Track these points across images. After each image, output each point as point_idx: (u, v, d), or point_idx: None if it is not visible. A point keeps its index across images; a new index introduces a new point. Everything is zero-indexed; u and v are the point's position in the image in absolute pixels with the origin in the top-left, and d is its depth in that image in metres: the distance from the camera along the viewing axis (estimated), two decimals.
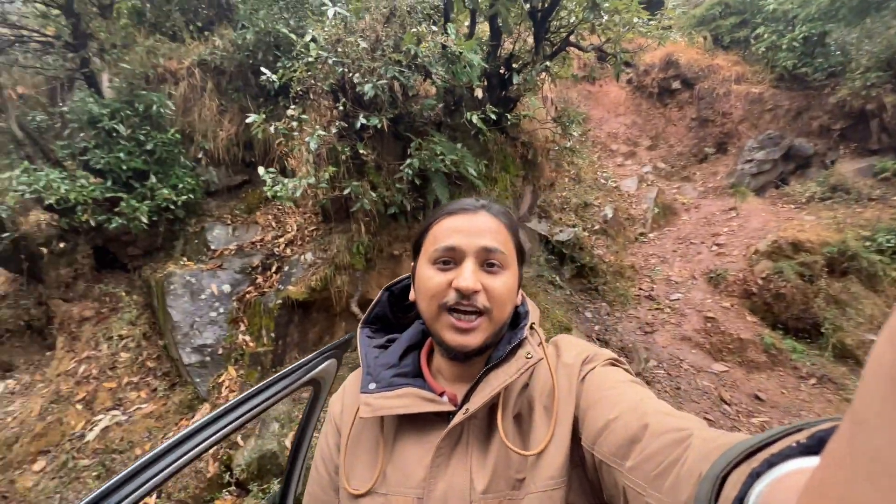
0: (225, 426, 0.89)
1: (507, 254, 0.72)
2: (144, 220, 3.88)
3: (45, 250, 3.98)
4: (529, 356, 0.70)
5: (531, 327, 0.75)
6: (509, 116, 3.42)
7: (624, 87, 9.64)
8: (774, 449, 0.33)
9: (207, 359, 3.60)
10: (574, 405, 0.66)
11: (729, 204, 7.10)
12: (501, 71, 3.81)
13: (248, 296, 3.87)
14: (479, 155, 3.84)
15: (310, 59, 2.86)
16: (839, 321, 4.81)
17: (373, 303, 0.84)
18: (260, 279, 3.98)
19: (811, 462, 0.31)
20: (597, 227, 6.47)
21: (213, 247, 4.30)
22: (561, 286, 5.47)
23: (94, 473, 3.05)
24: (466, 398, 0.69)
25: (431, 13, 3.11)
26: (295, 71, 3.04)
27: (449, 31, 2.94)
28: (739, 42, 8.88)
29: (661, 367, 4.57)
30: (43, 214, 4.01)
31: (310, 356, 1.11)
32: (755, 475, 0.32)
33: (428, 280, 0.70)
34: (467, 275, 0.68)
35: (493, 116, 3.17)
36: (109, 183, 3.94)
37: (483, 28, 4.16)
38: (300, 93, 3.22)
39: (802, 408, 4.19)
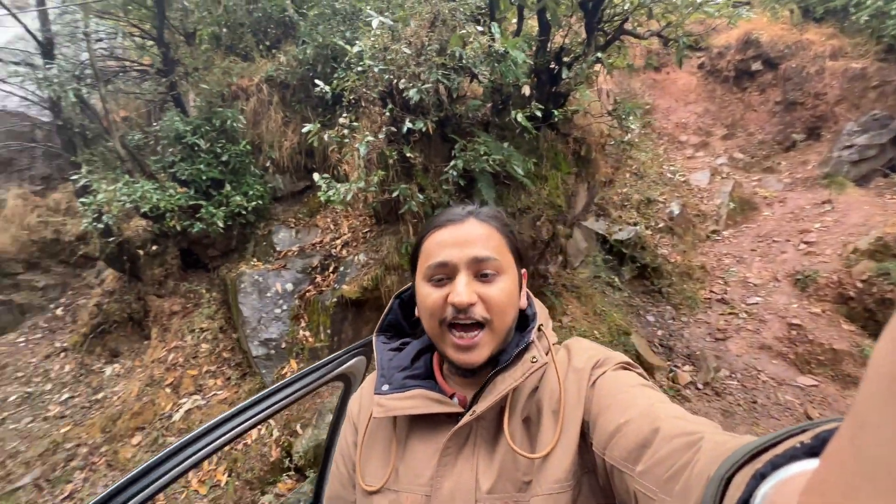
0: (259, 413, 0.97)
1: (501, 259, 0.71)
2: (220, 224, 4.30)
3: (141, 252, 4.56)
4: (534, 360, 0.70)
5: (539, 329, 0.75)
6: (556, 112, 3.31)
7: (695, 73, 8.90)
8: (779, 450, 0.33)
9: (272, 352, 3.90)
10: (583, 410, 0.65)
11: (822, 196, 6.28)
12: (551, 66, 3.70)
13: (308, 294, 4.13)
14: (528, 153, 3.76)
15: (359, 69, 3.00)
16: None
17: (385, 311, 0.86)
18: (319, 278, 4.24)
19: (816, 464, 0.30)
20: (661, 224, 6.05)
21: (278, 248, 4.65)
22: (620, 288, 5.19)
23: None
24: (474, 400, 0.70)
25: (476, 14, 3.11)
26: (347, 80, 3.20)
27: (493, 30, 2.92)
28: (835, 12, 7.82)
29: (733, 378, 4.16)
30: (140, 221, 4.59)
31: (338, 353, 1.18)
32: (759, 476, 0.32)
33: (425, 298, 0.71)
34: (460, 289, 0.67)
35: (539, 113, 3.09)
36: (192, 192, 4.41)
37: (532, 24, 4.07)
38: (352, 101, 3.37)
39: None
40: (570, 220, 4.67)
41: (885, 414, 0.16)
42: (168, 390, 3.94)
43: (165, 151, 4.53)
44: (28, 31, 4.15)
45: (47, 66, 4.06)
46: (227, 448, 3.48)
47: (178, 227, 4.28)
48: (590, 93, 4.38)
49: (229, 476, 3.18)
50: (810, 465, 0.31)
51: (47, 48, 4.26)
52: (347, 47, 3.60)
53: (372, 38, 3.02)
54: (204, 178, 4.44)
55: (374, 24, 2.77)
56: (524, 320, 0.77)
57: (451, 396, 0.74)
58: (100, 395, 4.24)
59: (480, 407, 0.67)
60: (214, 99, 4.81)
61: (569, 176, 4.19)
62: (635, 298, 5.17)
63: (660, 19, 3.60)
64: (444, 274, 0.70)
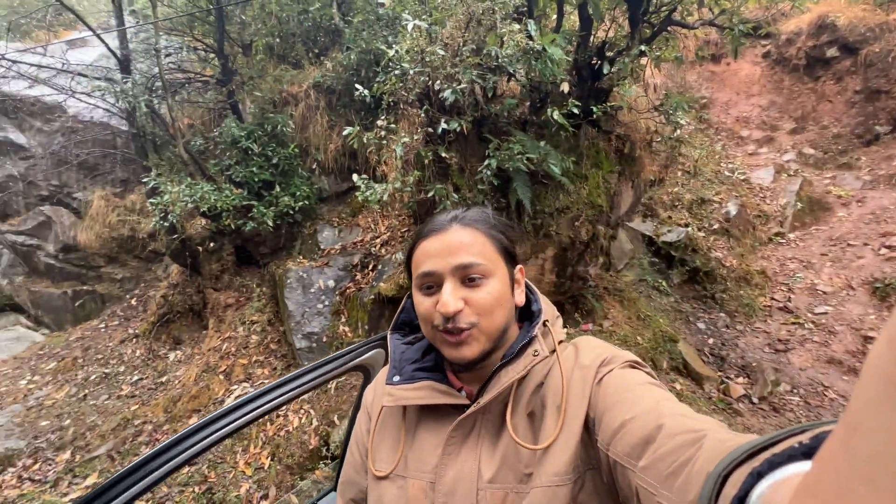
0: (278, 398, 1.03)
1: (488, 262, 0.72)
2: (270, 223, 4.57)
3: (201, 249, 4.94)
4: (536, 353, 0.71)
5: (544, 324, 0.76)
6: (596, 109, 3.21)
7: (759, 63, 8.25)
8: (777, 449, 0.33)
9: (314, 345, 4.09)
10: (587, 406, 0.66)
11: None
12: (593, 61, 3.59)
13: (348, 291, 4.29)
14: (567, 152, 3.68)
15: (396, 72, 3.07)
16: None
17: (399, 309, 0.90)
18: (358, 276, 4.39)
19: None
20: (716, 226, 5.66)
21: (322, 246, 4.87)
22: (667, 292, 4.93)
23: None
24: (480, 393, 0.73)
25: (513, 12, 3.08)
26: (386, 84, 3.29)
27: (530, 28, 2.89)
28: None
29: (795, 393, 3.82)
30: (200, 220, 4.98)
31: (357, 344, 1.22)
32: (756, 474, 0.32)
33: (419, 305, 0.75)
34: (445, 298, 0.69)
35: (576, 110, 3.01)
36: (245, 193, 4.73)
37: (574, 19, 3.97)
38: (391, 104, 3.46)
39: None
40: (613, 221, 4.50)
41: (881, 415, 0.16)
42: (221, 377, 4.25)
43: (223, 155, 4.88)
44: (110, 49, 4.64)
45: (124, 80, 4.52)
46: (271, 433, 3.70)
47: (233, 226, 4.60)
48: (636, 88, 4.20)
49: (272, 460, 3.37)
50: (808, 466, 0.30)
51: (125, 64, 4.75)
52: (389, 51, 3.71)
53: (409, 41, 3.08)
54: (256, 179, 4.74)
55: (409, 27, 2.84)
56: (530, 316, 0.78)
57: (460, 390, 0.77)
58: (164, 379, 4.66)
59: (484, 399, 0.70)
60: (267, 105, 5.13)
61: (611, 175, 4.04)
62: (684, 304, 4.88)
63: (713, 7, 3.38)
64: (433, 282, 0.72)
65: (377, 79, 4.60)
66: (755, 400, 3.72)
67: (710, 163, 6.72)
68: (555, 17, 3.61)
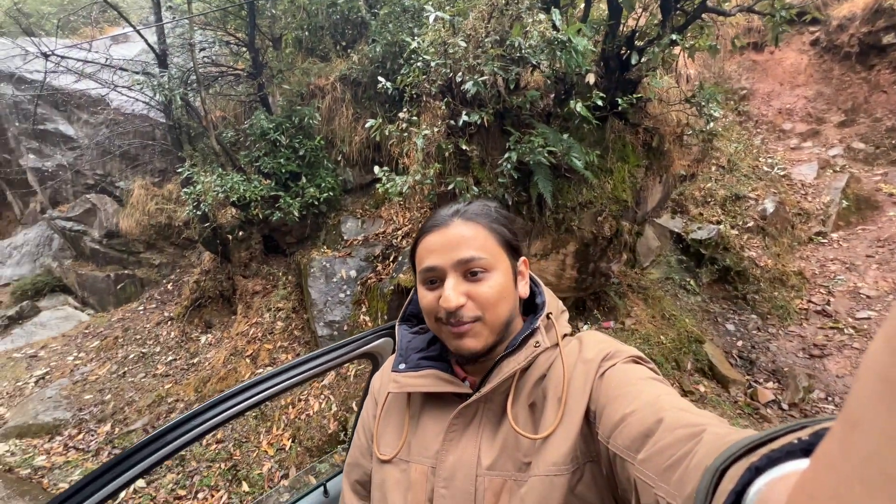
0: (286, 380, 1.07)
1: (490, 256, 0.73)
2: (296, 213, 4.70)
3: (231, 237, 5.13)
4: (537, 344, 0.73)
5: (548, 317, 0.78)
6: (622, 101, 3.11)
7: (806, 51, 7.76)
8: (775, 445, 0.33)
9: (335, 333, 4.20)
10: (588, 399, 0.67)
11: None
12: (621, 51, 3.48)
13: (369, 281, 4.37)
14: (592, 145, 3.59)
15: (419, 65, 3.08)
16: None
17: (406, 301, 0.92)
18: (379, 267, 4.45)
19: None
20: (750, 223, 5.41)
21: (345, 237, 4.96)
22: (695, 291, 4.77)
23: (253, 414, 3.86)
24: (483, 383, 0.75)
25: (537, 1, 3.01)
26: (409, 76, 3.30)
27: (554, 18, 2.82)
28: None
29: (830, 401, 3.63)
30: (231, 209, 5.17)
31: (366, 332, 1.25)
32: (754, 470, 0.32)
33: (422, 299, 0.76)
34: (448, 293, 0.70)
35: (600, 102, 2.93)
36: (273, 183, 4.86)
37: (602, 7, 3.85)
38: (414, 96, 3.47)
39: None
40: (640, 217, 4.37)
41: (878, 415, 0.16)
42: (248, 360, 4.43)
43: (252, 147, 5.04)
44: (148, 44, 4.85)
45: (161, 73, 4.72)
46: (293, 416, 3.83)
47: (261, 216, 4.76)
48: (667, 79, 4.05)
49: (293, 442, 3.50)
50: (805, 463, 0.30)
51: (162, 58, 4.95)
52: (414, 44, 3.71)
53: (432, 33, 3.08)
54: (283, 171, 4.87)
55: (431, 18, 2.83)
56: (535, 309, 0.79)
57: (463, 380, 0.79)
58: (195, 360, 4.89)
59: (486, 388, 0.71)
60: (295, 98, 5.24)
61: (638, 169, 3.92)
62: (713, 304, 4.70)
63: None
64: (435, 277, 0.74)
65: (402, 71, 4.64)
66: (785, 406, 3.57)
67: (747, 157, 6.41)
68: (582, 5, 3.51)
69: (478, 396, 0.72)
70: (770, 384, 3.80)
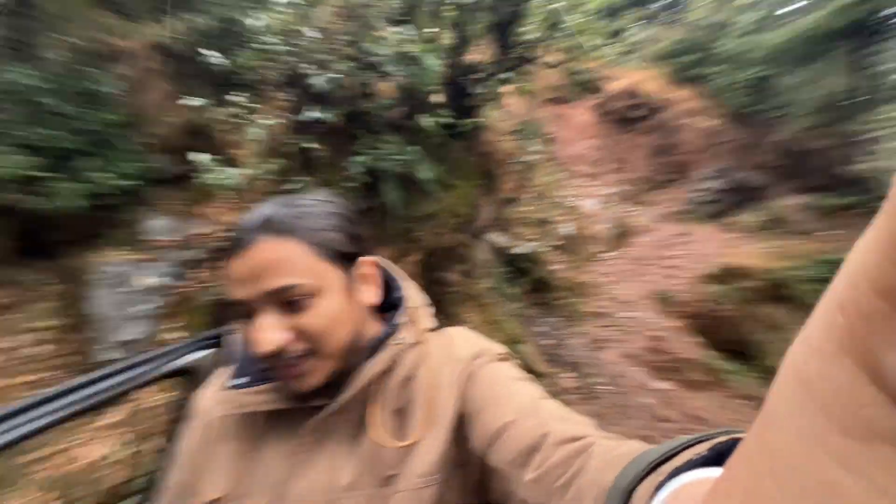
0: (47, 416, 0.77)
1: (311, 278, 0.59)
2: (86, 203, 3.62)
3: None
4: (398, 343, 0.66)
5: (411, 312, 0.71)
6: (466, 123, 3.42)
7: (593, 111, 9.98)
8: (678, 461, 0.34)
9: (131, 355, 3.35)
10: (457, 400, 0.63)
11: (682, 229, 7.41)
12: (462, 79, 3.83)
13: (184, 290, 3.65)
14: (439, 161, 3.82)
15: (261, 48, 2.77)
16: (773, 344, 5.04)
17: None
18: (200, 273, 3.77)
19: (711, 472, 0.32)
20: (556, 243, 6.58)
21: (148, 237, 4.05)
22: (517, 299, 5.49)
23: None
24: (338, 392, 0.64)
25: (392, 15, 3.09)
26: (245, 57, 2.94)
27: (408, 33, 2.93)
28: (697, 78, 9.42)
29: (606, 384, 4.62)
30: None
31: (183, 342, 1.02)
32: (661, 487, 0.33)
33: (245, 334, 0.62)
34: (259, 336, 0.57)
35: (445, 121, 3.16)
36: (42, 161, 3.65)
37: (450, 35, 4.19)
38: (250, 81, 3.11)
39: (738, 426, 4.33)
40: (475, 231, 4.84)
41: (790, 412, 0.16)
42: None
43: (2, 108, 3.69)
44: None
45: None
46: (60, 470, 2.86)
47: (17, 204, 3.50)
48: (497, 112, 4.63)
49: None
50: (704, 473, 0.32)
51: None
52: (251, 22, 3.33)
53: (280, 16, 2.83)
54: (57, 146, 3.70)
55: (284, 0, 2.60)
56: (393, 306, 0.72)
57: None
58: None
59: (342, 397, 0.62)
60: (86, 57, 4.08)
61: (475, 188, 4.34)
62: (529, 310, 5.50)
63: (564, 54, 3.95)
64: (247, 311, 0.60)
65: (233, 52, 4.11)
66: (582, 391, 4.39)
67: (553, 189, 7.81)
68: (435, 29, 3.75)
69: (333, 408, 0.62)
70: (569, 374, 4.63)
